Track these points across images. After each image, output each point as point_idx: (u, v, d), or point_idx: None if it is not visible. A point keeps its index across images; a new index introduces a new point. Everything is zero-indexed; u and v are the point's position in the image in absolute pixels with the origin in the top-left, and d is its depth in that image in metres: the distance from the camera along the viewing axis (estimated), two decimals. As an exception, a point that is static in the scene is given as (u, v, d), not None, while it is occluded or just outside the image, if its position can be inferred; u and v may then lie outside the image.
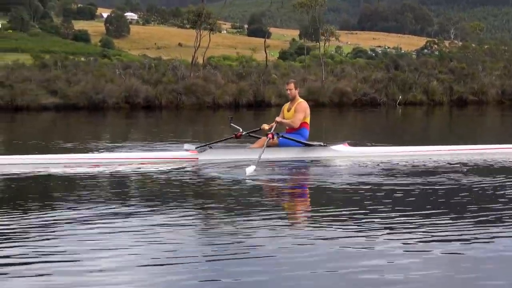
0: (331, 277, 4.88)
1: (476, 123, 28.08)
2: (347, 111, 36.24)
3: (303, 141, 12.14)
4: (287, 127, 12.37)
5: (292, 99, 12.37)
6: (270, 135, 11.71)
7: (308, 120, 12.29)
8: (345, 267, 5.05)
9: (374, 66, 50.31)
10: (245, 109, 35.90)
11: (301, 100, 12.40)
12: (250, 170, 10.04)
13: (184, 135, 18.22)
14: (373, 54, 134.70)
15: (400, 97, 41.60)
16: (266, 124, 12.32)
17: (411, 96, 42.32)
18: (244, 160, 11.25)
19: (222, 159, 11.64)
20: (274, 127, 11.99)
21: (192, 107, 36.36)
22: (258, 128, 12.45)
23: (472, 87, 44.45)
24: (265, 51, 47.54)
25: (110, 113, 32.98)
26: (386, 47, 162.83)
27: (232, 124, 12.42)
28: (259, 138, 12.31)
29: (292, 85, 12.39)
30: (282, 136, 12.00)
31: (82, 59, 51.38)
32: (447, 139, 18.61)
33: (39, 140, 17.00)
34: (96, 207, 7.33)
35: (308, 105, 12.43)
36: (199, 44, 41.96)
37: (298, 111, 12.17)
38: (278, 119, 12.18)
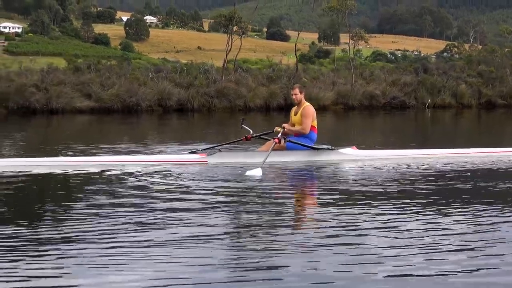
0: (345, 281, 4.88)
1: (505, 126, 28.24)
2: (377, 114, 36.37)
3: (310, 145, 12.31)
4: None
5: (298, 103, 12.56)
6: (276, 140, 11.94)
7: (315, 124, 12.47)
8: (356, 272, 5.07)
9: (403, 70, 50.41)
10: (275, 112, 36.15)
11: (307, 104, 12.55)
12: (254, 172, 10.39)
13: (211, 137, 18.31)
14: (393, 58, 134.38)
15: (429, 100, 41.76)
16: (278, 127, 12.44)
17: (439, 99, 42.47)
18: (252, 163, 11.41)
19: (230, 162, 11.82)
20: (281, 132, 12.19)
21: (224, 110, 36.64)
22: (271, 131, 12.57)
23: (500, 90, 44.61)
24: (296, 54, 47.78)
25: (143, 116, 33.29)
26: (406, 51, 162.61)
27: (243, 126, 12.58)
28: (269, 140, 12.49)
29: (297, 90, 12.59)
30: (289, 141, 12.18)
31: (113, 62, 51.30)
32: (473, 141, 18.73)
33: (71, 142, 17.23)
34: (102, 209, 7.51)
35: (314, 109, 12.60)
36: (230, 48, 42.29)
37: (305, 116, 12.34)
38: (287, 126, 12.32)
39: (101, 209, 7.51)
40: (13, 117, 31.00)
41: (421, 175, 10.60)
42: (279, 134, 12.10)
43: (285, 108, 36.98)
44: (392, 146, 14.86)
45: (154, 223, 6.73)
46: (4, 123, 28.63)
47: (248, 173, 10.42)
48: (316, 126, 12.50)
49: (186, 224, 6.70)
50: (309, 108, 12.46)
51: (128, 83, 37.36)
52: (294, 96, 12.60)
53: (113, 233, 6.27)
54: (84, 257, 5.46)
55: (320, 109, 38.30)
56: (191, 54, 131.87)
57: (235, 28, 43.73)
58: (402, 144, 15.98)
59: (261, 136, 12.57)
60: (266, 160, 11.19)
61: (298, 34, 52.38)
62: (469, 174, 10.84)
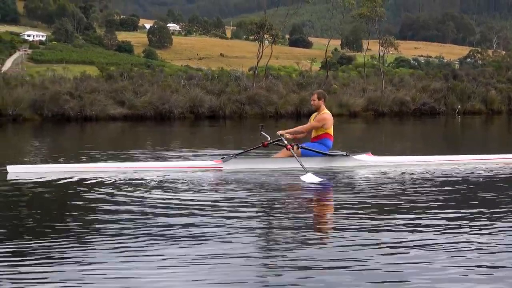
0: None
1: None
2: (407, 120, 36.34)
3: (325, 151, 12.32)
4: (312, 137, 12.62)
5: (317, 110, 12.61)
6: (289, 146, 11.96)
7: (330, 131, 12.44)
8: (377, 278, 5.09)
9: (433, 76, 50.46)
10: (306, 118, 36.19)
11: (325, 111, 12.55)
12: (308, 178, 10.55)
13: (240, 144, 18.29)
14: (416, 64, 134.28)
15: (459, 106, 41.77)
16: (289, 134, 12.46)
17: (469, 105, 42.42)
18: (267, 170, 11.71)
19: (245, 169, 11.89)
20: (281, 139, 12.20)
21: (255, 116, 36.67)
22: (279, 138, 12.36)
23: (531, 96, 44.57)
24: (326, 61, 47.97)
25: (175, 123, 33.48)
26: (429, 57, 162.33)
27: (262, 133, 12.47)
28: (283, 146, 12.33)
29: (315, 96, 12.61)
30: (302, 147, 12.24)
31: (146, 70, 51.75)
32: (501, 148, 18.27)
33: (99, 149, 17.48)
34: (115, 215, 7.67)
35: (331, 116, 12.51)
36: (261, 55, 42.51)
37: (317, 120, 12.46)
38: (281, 132, 12.31)
39: (113, 215, 7.69)
40: (47, 124, 31.25)
41: (435, 181, 10.53)
42: (284, 140, 12.15)
43: None
44: (415, 152, 14.70)
45: (164, 231, 6.80)
46: (39, 130, 28.92)
47: (305, 178, 10.56)
48: (332, 134, 12.50)
49: (196, 235, 6.66)
50: (323, 115, 12.50)
51: (160, 90, 37.71)
52: (312, 102, 12.70)
53: (123, 242, 6.36)
54: (100, 264, 5.59)
55: (351, 116, 38.53)
56: (214, 61, 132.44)
57: (266, 35, 43.87)
58: (429, 151, 15.94)
59: (275, 143, 12.41)
60: (302, 164, 11.24)
61: (329, 41, 52.38)
62: (490, 181, 10.73)
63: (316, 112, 12.69)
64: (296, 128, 12.72)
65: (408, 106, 41.15)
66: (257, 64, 43.09)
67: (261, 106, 37.86)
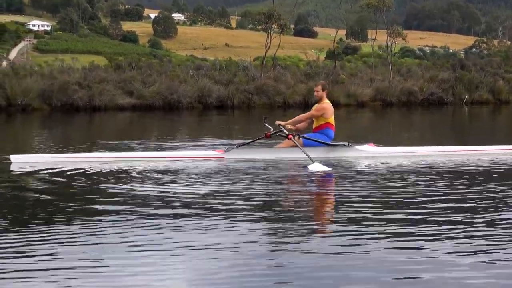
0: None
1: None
2: (415, 110, 36.38)
3: (324, 141, 12.36)
4: (313, 127, 12.69)
5: (319, 100, 12.67)
6: (290, 136, 12.09)
7: (331, 121, 12.52)
8: (375, 270, 5.07)
9: (440, 66, 50.43)
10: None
11: (325, 101, 12.62)
12: (315, 167, 10.67)
13: (247, 133, 18.19)
14: (421, 54, 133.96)
15: (466, 96, 41.76)
16: (291, 125, 12.60)
17: (477, 95, 42.45)
18: (269, 160, 11.81)
19: (247, 158, 11.99)
20: (282, 129, 12.34)
21: (263, 106, 36.80)
22: (281, 129, 12.45)
23: (539, 85, 44.55)
24: (334, 51, 47.94)
25: (184, 112, 33.57)
26: (434, 47, 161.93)
27: (265, 124, 12.57)
28: (285, 137, 12.40)
29: (319, 87, 12.68)
30: (303, 137, 12.28)
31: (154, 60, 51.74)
32: (506, 139, 17.92)
33: (105, 138, 17.82)
34: (115, 206, 7.66)
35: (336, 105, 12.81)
36: (269, 45, 42.53)
37: (316, 109, 12.56)
38: (280, 123, 12.42)
39: (113, 205, 7.70)
40: (56, 114, 31.44)
41: (438, 172, 10.48)
42: (284, 129, 12.29)
43: None
44: (422, 143, 14.75)
45: (163, 221, 6.81)
46: (48, 120, 29.05)
47: (310, 167, 10.69)
48: (333, 123, 12.58)
49: (195, 225, 6.66)
50: (322, 105, 12.57)
51: (168, 80, 37.90)
52: (316, 93, 12.71)
53: (124, 230, 6.41)
54: (101, 251, 5.65)
55: (359, 106, 38.58)
56: (219, 51, 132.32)
57: (274, 25, 43.84)
58: (436, 141, 15.85)
59: (277, 134, 12.42)
60: (307, 154, 11.37)
61: (337, 32, 52.41)
62: (497, 171, 10.67)
63: (317, 103, 12.75)
64: (295, 118, 12.76)
65: (416, 96, 41.18)
66: (265, 54, 43.10)
67: (269, 96, 37.96)
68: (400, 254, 5.53)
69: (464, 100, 41.48)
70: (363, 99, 39.81)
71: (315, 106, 12.76)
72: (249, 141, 12.99)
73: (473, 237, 6.10)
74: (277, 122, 12.42)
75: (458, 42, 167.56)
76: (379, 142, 13.63)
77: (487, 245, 5.82)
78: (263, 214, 7.16)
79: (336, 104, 37.18)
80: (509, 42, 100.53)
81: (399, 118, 31.46)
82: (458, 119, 31.28)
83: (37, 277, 4.95)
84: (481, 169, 10.96)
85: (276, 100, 37.93)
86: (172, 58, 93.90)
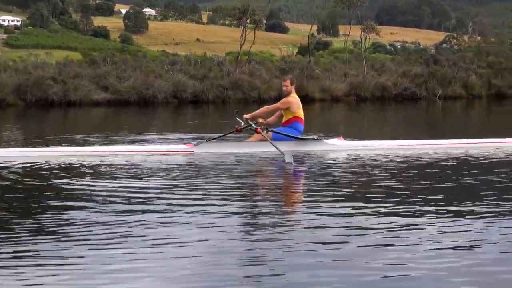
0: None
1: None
2: (389, 105, 36.53)
3: (296, 135, 12.40)
4: (282, 121, 12.71)
5: (287, 95, 12.62)
6: (259, 130, 12.11)
7: (300, 114, 12.54)
8: (347, 267, 5.03)
9: (414, 61, 50.71)
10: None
11: (292, 95, 12.61)
12: (289, 158, 10.80)
13: (222, 128, 18.26)
14: (392, 49, 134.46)
15: (440, 91, 42.00)
16: (261, 118, 12.70)
17: (450, 90, 42.66)
18: (239, 154, 11.82)
19: (217, 152, 12.01)
20: (251, 124, 12.34)
21: (238, 101, 36.83)
22: (255, 122, 12.43)
23: (510, 81, 44.89)
24: (308, 46, 48.07)
25: (159, 108, 33.59)
26: (405, 42, 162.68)
27: (236, 118, 12.61)
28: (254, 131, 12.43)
29: (288, 82, 12.66)
30: (272, 131, 12.31)
31: (128, 56, 51.57)
32: (480, 132, 18.55)
33: (76, 133, 17.81)
34: (76, 202, 7.57)
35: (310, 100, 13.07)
36: (244, 41, 42.58)
37: (281, 102, 12.58)
38: (247, 116, 12.44)
39: (76, 202, 7.61)
40: (31, 110, 31.37)
41: (406, 165, 10.61)
42: (251, 125, 12.28)
43: (300, 99, 37.01)
44: (394, 137, 14.86)
45: (128, 218, 6.69)
46: (22, 115, 28.98)
47: (287, 159, 10.81)
48: (302, 117, 12.60)
49: (162, 217, 6.65)
50: (288, 99, 12.58)
51: (143, 75, 37.82)
52: (285, 88, 12.65)
53: (88, 228, 6.29)
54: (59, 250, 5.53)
55: (333, 101, 38.75)
56: (190, 46, 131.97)
57: (248, 20, 43.86)
58: (409, 135, 15.79)
59: (248, 128, 12.44)
60: (278, 148, 11.43)
61: (311, 27, 52.63)
62: (467, 165, 10.71)
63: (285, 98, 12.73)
64: (260, 109, 12.82)
65: (389, 91, 41.33)
66: (240, 50, 43.19)
67: (244, 91, 38.05)
68: (370, 249, 5.53)
69: (438, 95, 41.67)
70: (338, 94, 39.93)
71: (282, 100, 12.77)
72: (219, 135, 13.00)
73: (445, 228, 6.17)
74: (245, 116, 12.44)
75: (429, 38, 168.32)
76: (351, 137, 13.84)
77: (458, 239, 5.83)
78: (232, 209, 7.10)
79: (311, 99, 37.73)
80: (479, 38, 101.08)
81: (373, 113, 31.61)
82: (432, 113, 31.59)
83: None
84: (452, 162, 11.08)
85: (251, 95, 38.03)
86: (144, 53, 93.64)
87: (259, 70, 42.20)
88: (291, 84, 12.72)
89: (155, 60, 49.13)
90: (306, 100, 37.66)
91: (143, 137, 15.80)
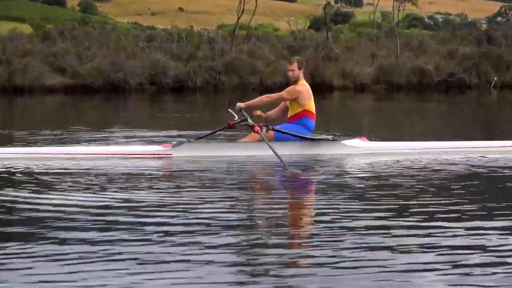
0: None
1: None
2: (429, 95, 36.27)
3: (302, 134, 11.87)
4: (288, 116, 12.09)
5: (294, 82, 11.96)
6: (257, 128, 11.44)
7: (310, 107, 11.97)
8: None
9: (461, 39, 50.24)
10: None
11: (301, 82, 11.94)
12: (293, 170, 10.27)
13: (212, 124, 17.63)
14: (432, 23, 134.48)
15: (495, 78, 41.69)
16: (259, 111, 12.16)
17: (509, 76, 42.47)
18: (230, 158, 11.32)
19: (202, 156, 11.61)
20: (247, 118, 11.64)
21: (234, 89, 36.91)
22: (251, 116, 11.79)
23: None
24: (326, 18, 47.85)
25: (132, 96, 33.45)
26: (448, 14, 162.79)
27: (228, 110, 11.99)
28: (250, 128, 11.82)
29: (295, 65, 11.95)
30: (275, 129, 11.79)
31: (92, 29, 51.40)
32: None
33: (26, 128, 17.36)
34: (33, 213, 7.40)
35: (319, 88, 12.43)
36: (243, 10, 42.44)
37: (287, 92, 11.92)
38: (241, 105, 11.81)
39: (25, 214, 7.40)
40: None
41: (446, 175, 9.98)
42: (246, 119, 11.54)
43: (312, 87, 36.61)
44: (431, 138, 14.54)
45: (88, 233, 6.55)
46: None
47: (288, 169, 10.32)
48: (313, 111, 11.99)
49: (131, 240, 6.33)
50: (297, 87, 11.87)
51: (112, 54, 37.66)
52: (291, 73, 11.98)
53: (40, 247, 6.04)
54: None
55: (357, 89, 38.56)
56: (171, 17, 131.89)
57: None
58: (451, 135, 15.43)
59: (243, 123, 11.72)
60: (276, 152, 10.75)
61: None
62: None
63: (292, 85, 12.10)
64: (259, 98, 12.33)
65: (430, 77, 41.18)
66: (237, 22, 42.94)
67: (242, 76, 38.08)
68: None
69: (493, 83, 41.40)
70: (363, 81, 39.88)
71: (288, 88, 12.16)
72: (206, 133, 12.64)
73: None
74: (239, 105, 11.75)
75: (478, 9, 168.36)
76: (378, 137, 13.50)
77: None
78: (219, 239, 6.39)
79: (328, 87, 37.37)
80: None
81: (408, 105, 31.17)
82: (485, 106, 31.22)
83: None
84: (506, 171, 10.49)
85: (250, 81, 38.02)
86: (113, 25, 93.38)
87: (261, 48, 42.03)
88: (299, 67, 11.92)
89: (127, 34, 48.81)
90: (322, 88, 36.95)
91: (106, 135, 15.58)
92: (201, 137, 12.32)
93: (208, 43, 41.98)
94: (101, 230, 6.64)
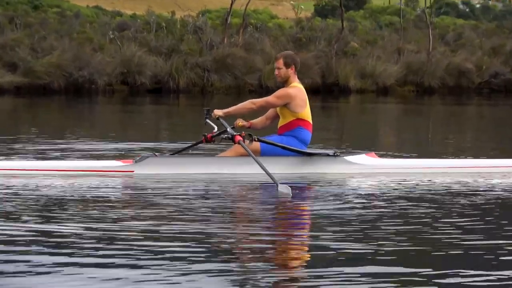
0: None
1: None
2: (468, 100, 36.79)
3: (296, 147, 11.78)
4: (278, 126, 11.97)
5: (284, 83, 11.84)
6: (238, 137, 11.22)
7: (306, 116, 11.83)
8: None
9: (508, 31, 50.38)
10: (309, 94, 35.95)
11: (293, 84, 11.77)
12: (283, 190, 9.98)
13: (195, 135, 17.26)
14: (467, 10, 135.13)
15: (551, 80, 41.76)
16: (241, 120, 11.87)
17: None
18: (206, 176, 11.38)
19: (170, 174, 11.57)
20: (227, 129, 11.51)
21: (226, 91, 37.29)
22: (232, 126, 11.67)
23: None
24: (341, 4, 47.35)
25: (99, 98, 34.42)
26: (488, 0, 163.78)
27: (207, 121, 11.91)
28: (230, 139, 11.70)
29: (281, 62, 11.72)
30: (261, 140, 11.60)
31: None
32: None
33: None
34: None
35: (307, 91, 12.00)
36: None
37: (276, 96, 11.70)
38: (217, 112, 11.70)
39: None
40: None
41: (472, 199, 10.07)
42: (226, 130, 11.41)
43: (323, 90, 36.75)
44: (459, 153, 14.85)
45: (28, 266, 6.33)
46: None
47: (280, 188, 10.09)
48: (309, 120, 11.87)
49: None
50: (287, 89, 11.69)
51: (75, 47, 37.51)
52: (277, 72, 11.79)
53: None
54: None
55: (379, 92, 38.44)
56: (144, 1, 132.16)
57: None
58: (493, 151, 15.86)
59: (224, 136, 11.57)
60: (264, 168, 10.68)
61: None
62: None
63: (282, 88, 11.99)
64: (242, 104, 11.97)
65: (470, 78, 41.49)
66: (231, 8, 42.67)
67: (236, 75, 38.02)
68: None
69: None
70: (387, 82, 39.79)
71: (277, 92, 11.96)
72: (179, 148, 12.78)
73: None
74: (216, 112, 11.61)
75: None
76: (396, 151, 13.99)
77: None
78: (188, 269, 6.34)
79: (344, 89, 37.56)
80: None
81: (440, 112, 31.74)
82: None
83: None
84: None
85: (247, 81, 37.96)
86: (67, 12, 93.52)
87: (260, 41, 41.98)
88: (287, 65, 11.67)
89: (93, 23, 48.67)
90: (335, 90, 37.68)
91: (60, 146, 15.54)
92: (174, 154, 12.45)
93: (194, 33, 41.73)
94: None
